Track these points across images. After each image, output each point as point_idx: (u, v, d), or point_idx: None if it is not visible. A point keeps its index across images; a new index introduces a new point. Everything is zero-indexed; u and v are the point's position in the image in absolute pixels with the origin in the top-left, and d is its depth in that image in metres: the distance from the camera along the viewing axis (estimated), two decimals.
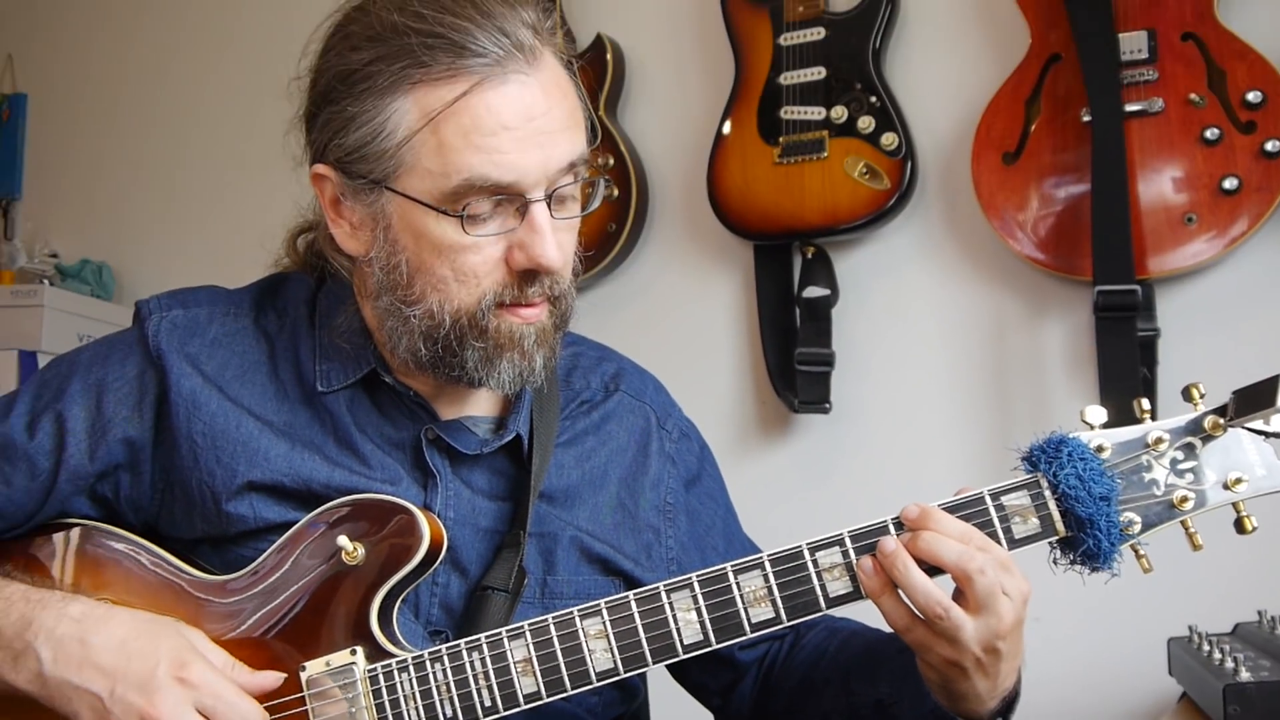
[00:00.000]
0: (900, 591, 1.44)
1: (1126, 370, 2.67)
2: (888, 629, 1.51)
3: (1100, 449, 1.44)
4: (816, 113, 3.01)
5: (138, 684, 1.44)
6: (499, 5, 1.51)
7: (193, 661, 1.46)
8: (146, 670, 1.44)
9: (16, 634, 1.47)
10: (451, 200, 1.49)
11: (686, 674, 1.85)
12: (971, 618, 1.41)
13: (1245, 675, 1.82)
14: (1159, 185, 2.70)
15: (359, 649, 1.52)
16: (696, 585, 1.48)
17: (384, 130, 1.50)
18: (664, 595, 1.49)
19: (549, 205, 1.52)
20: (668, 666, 1.77)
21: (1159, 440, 1.44)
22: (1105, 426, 1.46)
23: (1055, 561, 1.47)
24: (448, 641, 1.53)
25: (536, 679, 1.49)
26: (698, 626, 1.48)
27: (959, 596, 1.43)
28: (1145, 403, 1.48)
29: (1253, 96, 2.64)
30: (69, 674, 1.44)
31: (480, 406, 1.71)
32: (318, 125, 1.57)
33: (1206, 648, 2.03)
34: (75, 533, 1.64)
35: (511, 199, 1.50)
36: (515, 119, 1.48)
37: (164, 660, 1.45)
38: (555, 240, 1.51)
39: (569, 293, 1.60)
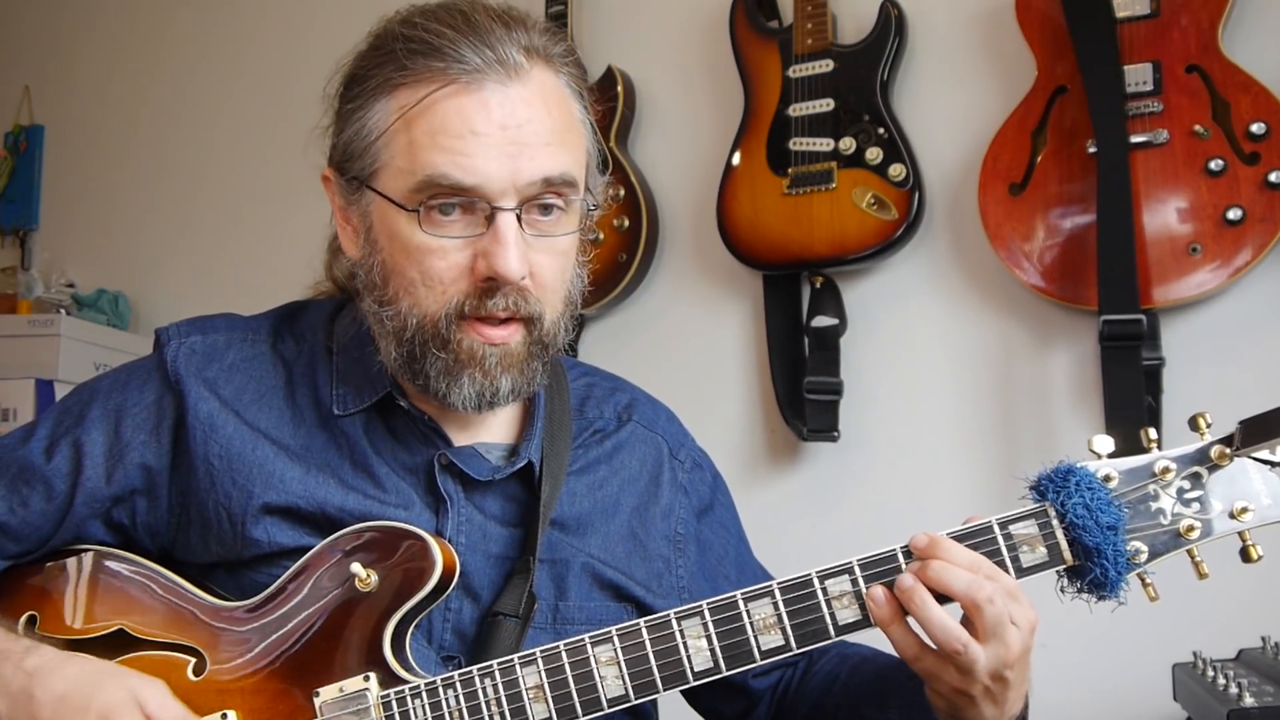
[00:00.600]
0: (912, 622, 1.45)
1: (1132, 399, 2.68)
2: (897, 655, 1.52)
3: (1108, 478, 1.45)
4: (825, 144, 3.03)
5: None
6: (495, 25, 1.54)
7: (121, 715, 1.47)
8: None
9: None
10: (413, 197, 1.52)
11: (701, 701, 1.86)
12: (980, 647, 1.42)
13: (1249, 700, 1.82)
14: (1164, 216, 2.72)
15: (372, 675, 1.52)
16: (707, 613, 1.49)
17: (365, 128, 1.56)
18: (675, 622, 1.49)
19: (519, 218, 1.52)
20: (683, 693, 1.78)
21: (1166, 470, 1.45)
22: (1112, 456, 1.47)
23: (1062, 590, 1.47)
24: (460, 667, 1.54)
25: (548, 705, 1.50)
26: (708, 654, 1.49)
27: (967, 625, 1.43)
28: (1152, 432, 1.49)
29: (1256, 128, 2.66)
30: None
31: (494, 433, 1.71)
32: (331, 131, 1.63)
33: (1211, 673, 2.04)
34: (88, 559, 1.65)
35: (478, 205, 1.51)
36: (484, 125, 1.50)
37: (93, 714, 1.46)
38: (519, 253, 1.51)
39: (551, 318, 1.59)
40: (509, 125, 1.51)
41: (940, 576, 1.42)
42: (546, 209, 1.55)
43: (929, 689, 1.50)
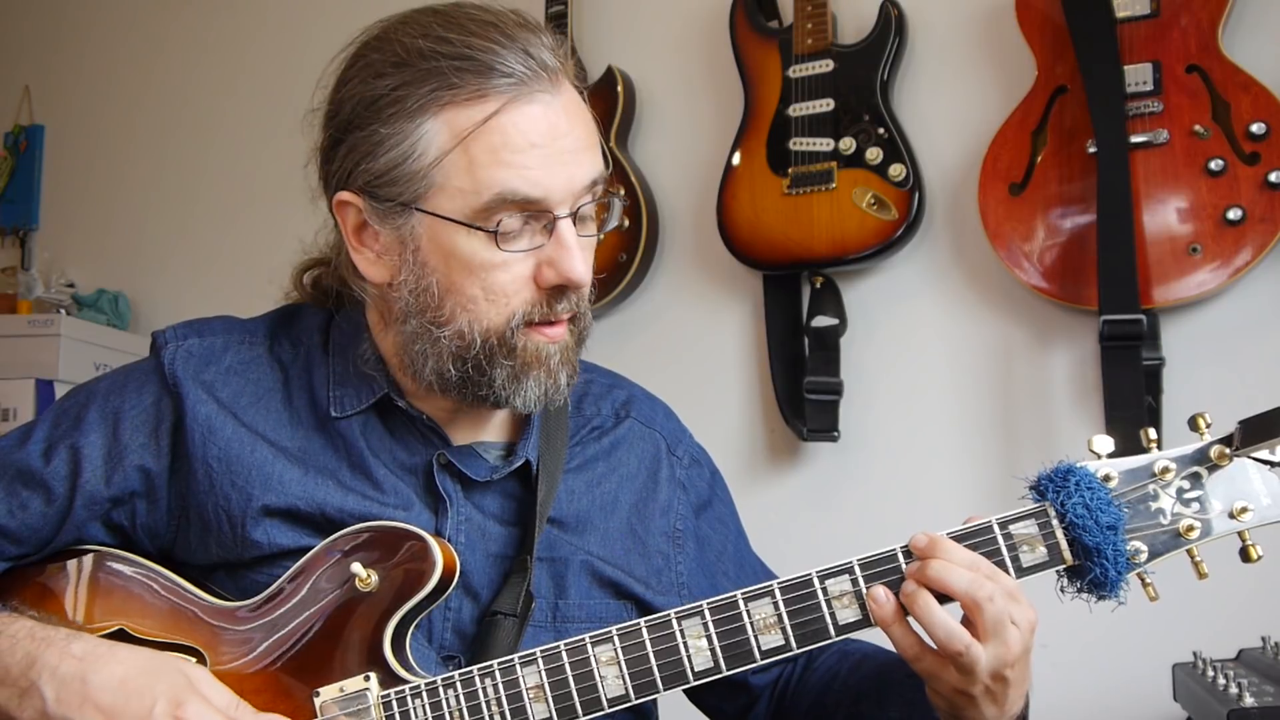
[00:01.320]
0: (913, 623, 1.45)
1: (1131, 399, 2.68)
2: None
3: (1107, 478, 1.45)
4: (825, 144, 3.03)
5: None
6: (520, 30, 1.54)
7: (190, 700, 1.45)
8: (144, 709, 1.43)
9: (22, 672, 1.47)
10: (483, 216, 1.51)
11: (702, 698, 1.86)
12: (981, 647, 1.42)
13: (1249, 700, 1.83)
14: (1164, 216, 2.72)
15: (372, 675, 1.52)
16: (707, 612, 1.49)
17: (415, 152, 1.52)
18: (675, 622, 1.50)
19: (574, 221, 1.55)
20: (684, 689, 1.79)
21: (1165, 470, 1.45)
22: (1112, 456, 1.47)
23: (1062, 590, 1.48)
24: (461, 667, 1.54)
25: (549, 705, 1.50)
26: (708, 653, 1.49)
27: (967, 625, 1.44)
28: (1152, 432, 1.49)
29: (1257, 128, 2.66)
30: (70, 712, 1.44)
31: (492, 432, 1.72)
32: (340, 153, 1.59)
33: (1211, 673, 2.04)
34: (89, 559, 1.65)
35: (538, 216, 1.53)
36: (542, 137, 1.51)
37: (161, 698, 1.44)
38: (584, 257, 1.56)
39: (588, 311, 1.64)
40: (560, 134, 1.52)
41: (940, 576, 1.43)
42: (588, 210, 1.58)
43: (929, 689, 1.51)
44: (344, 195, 1.59)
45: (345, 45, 1.63)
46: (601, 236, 1.65)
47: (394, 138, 1.53)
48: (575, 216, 1.55)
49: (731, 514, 1.92)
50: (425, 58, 1.52)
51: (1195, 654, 2.22)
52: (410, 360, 1.61)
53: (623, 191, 3.25)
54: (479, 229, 1.51)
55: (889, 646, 1.54)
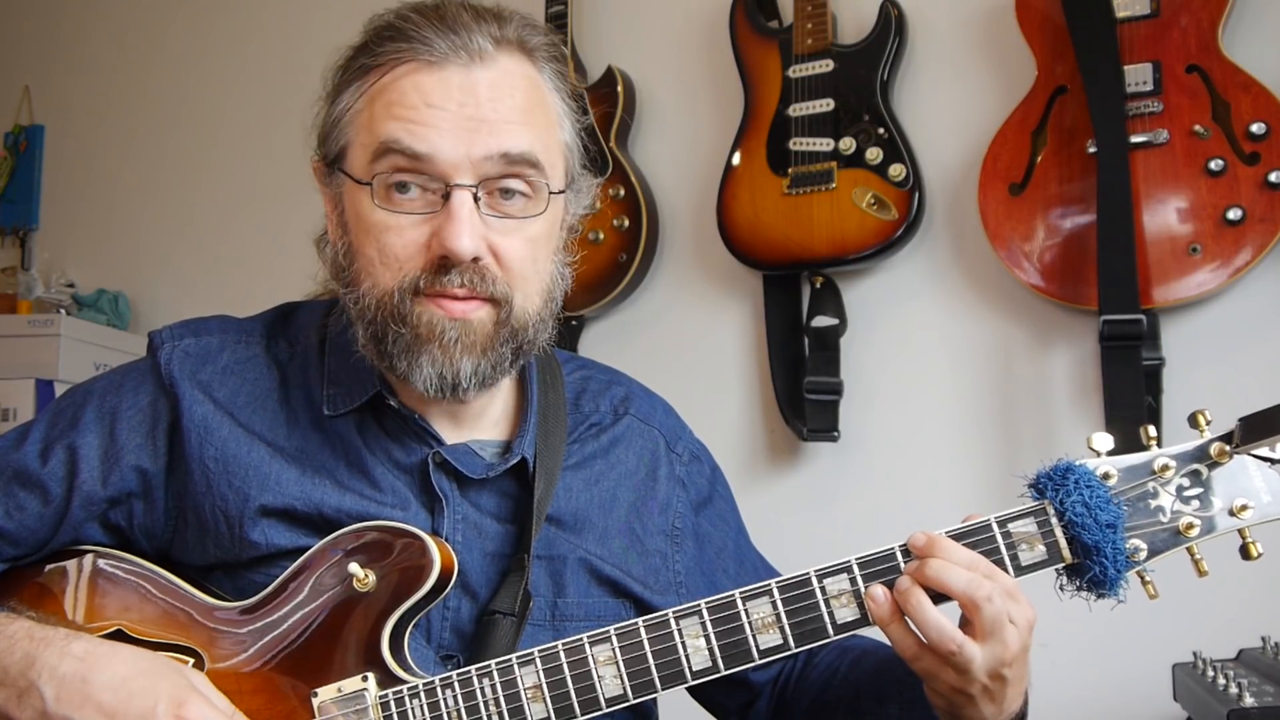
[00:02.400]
0: (910, 623, 1.45)
1: (1131, 399, 2.68)
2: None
3: (1107, 476, 1.45)
4: (825, 144, 3.03)
5: None
6: (464, 15, 1.57)
7: (191, 699, 1.45)
8: (146, 708, 1.43)
9: (20, 672, 1.47)
10: (371, 170, 1.53)
11: (704, 694, 1.86)
12: (979, 646, 1.42)
13: (1249, 700, 1.83)
14: (1164, 216, 2.72)
15: (370, 675, 1.52)
16: (705, 612, 1.49)
17: (334, 112, 1.60)
18: (673, 622, 1.50)
19: (477, 198, 1.53)
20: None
21: (1165, 467, 1.45)
22: (1112, 453, 1.47)
23: (1061, 588, 1.47)
24: (459, 666, 1.54)
25: (546, 705, 1.50)
26: (706, 653, 1.49)
27: (965, 624, 1.44)
28: (1151, 429, 1.49)
29: (1256, 128, 2.66)
30: (70, 712, 1.44)
31: (487, 430, 1.72)
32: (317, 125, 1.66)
33: (1211, 673, 2.04)
34: (87, 559, 1.64)
35: (435, 182, 1.52)
36: (442, 100, 1.52)
37: (163, 699, 1.44)
38: (471, 230, 1.51)
39: (521, 305, 1.58)
40: (467, 103, 1.52)
41: (938, 575, 1.42)
42: (508, 192, 1.56)
43: (927, 687, 1.51)
44: (313, 159, 1.66)
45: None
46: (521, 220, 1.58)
47: (333, 104, 1.60)
48: (482, 191, 1.53)
49: (732, 510, 1.92)
50: (366, 33, 1.60)
51: (1195, 654, 2.22)
52: (352, 333, 1.62)
53: (622, 191, 3.25)
54: (367, 184, 1.54)
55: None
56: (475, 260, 1.53)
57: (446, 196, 1.52)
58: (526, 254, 1.58)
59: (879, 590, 1.45)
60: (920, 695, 1.55)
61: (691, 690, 1.83)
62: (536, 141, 1.56)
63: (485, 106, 1.53)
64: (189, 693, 1.46)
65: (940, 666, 1.45)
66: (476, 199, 1.52)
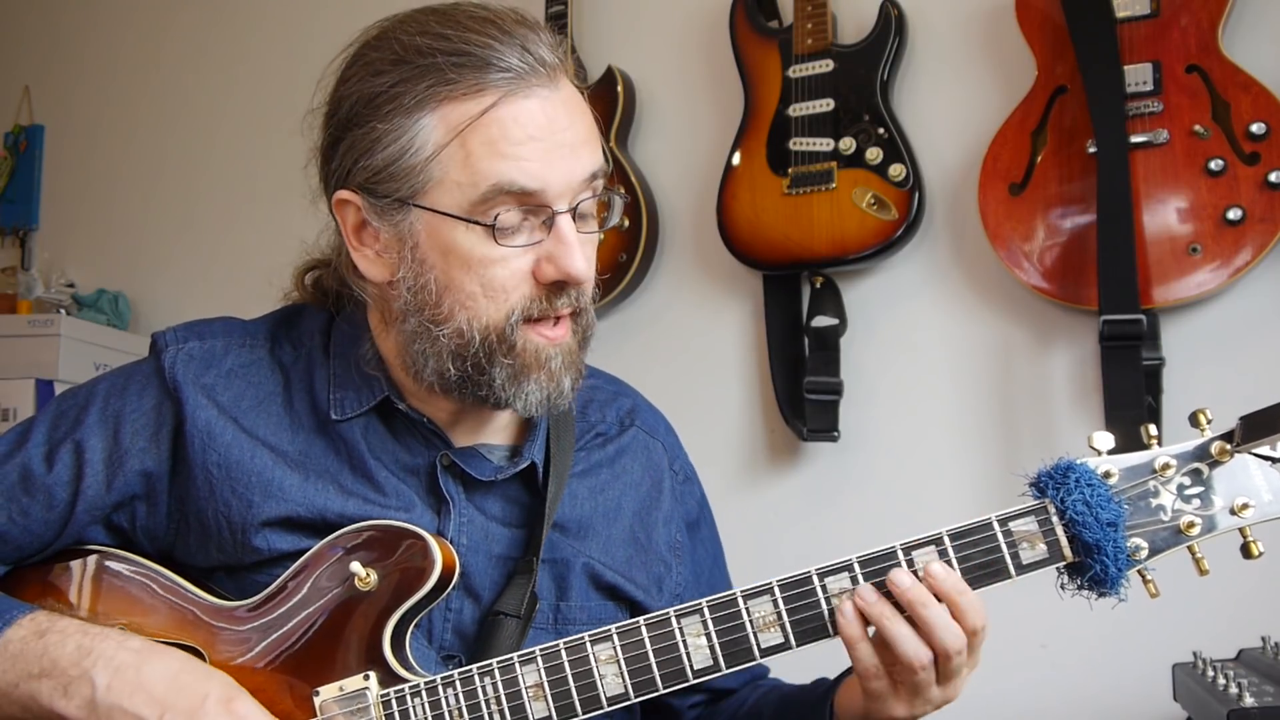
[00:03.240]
0: (880, 630, 1.46)
1: (1132, 399, 2.68)
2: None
3: (1108, 475, 1.45)
4: (825, 144, 3.03)
5: (187, 712, 1.45)
6: (518, 26, 1.54)
7: (239, 698, 1.48)
8: (196, 700, 1.46)
9: (73, 662, 1.48)
10: (480, 209, 1.50)
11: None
12: (939, 687, 1.47)
13: (1249, 701, 1.82)
14: (1164, 216, 2.72)
15: (372, 674, 1.53)
16: (706, 610, 1.49)
17: (412, 147, 1.51)
18: (674, 620, 1.50)
19: (573, 218, 1.54)
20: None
21: (1166, 466, 1.45)
22: (1112, 452, 1.47)
23: (1063, 587, 1.47)
24: (461, 666, 1.54)
25: (548, 704, 1.50)
26: (707, 651, 1.49)
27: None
28: (1152, 428, 1.48)
29: (1256, 128, 2.66)
30: (121, 699, 1.45)
31: (495, 434, 1.72)
32: (340, 152, 1.58)
33: (1211, 673, 2.04)
34: (90, 559, 1.65)
35: (537, 211, 1.52)
36: (540, 130, 1.50)
37: (213, 694, 1.47)
38: (584, 252, 1.54)
39: (590, 309, 1.62)
40: (558, 129, 1.52)
41: (938, 624, 1.45)
42: (588, 206, 1.58)
43: (863, 709, 1.53)
44: (343, 194, 1.58)
45: (345, 46, 1.63)
46: (602, 234, 1.64)
47: (392, 134, 1.52)
48: (575, 212, 1.54)
49: (714, 537, 1.94)
50: (423, 54, 1.52)
51: (1195, 654, 2.22)
52: (411, 360, 1.60)
53: (623, 190, 3.25)
54: (476, 223, 1.51)
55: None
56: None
57: (548, 223, 1.52)
58: (594, 261, 1.61)
59: (849, 607, 1.46)
60: (815, 710, 1.61)
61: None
62: (600, 155, 1.58)
63: (569, 130, 1.53)
64: (236, 691, 1.49)
65: (892, 692, 1.47)
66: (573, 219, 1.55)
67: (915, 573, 1.45)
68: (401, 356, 1.63)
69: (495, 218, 1.50)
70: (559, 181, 1.51)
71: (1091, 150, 2.76)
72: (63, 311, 3.82)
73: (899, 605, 1.44)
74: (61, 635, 1.51)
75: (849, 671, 1.57)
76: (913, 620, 1.44)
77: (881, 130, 3.01)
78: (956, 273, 3.06)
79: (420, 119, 1.51)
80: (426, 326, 1.56)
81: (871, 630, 1.46)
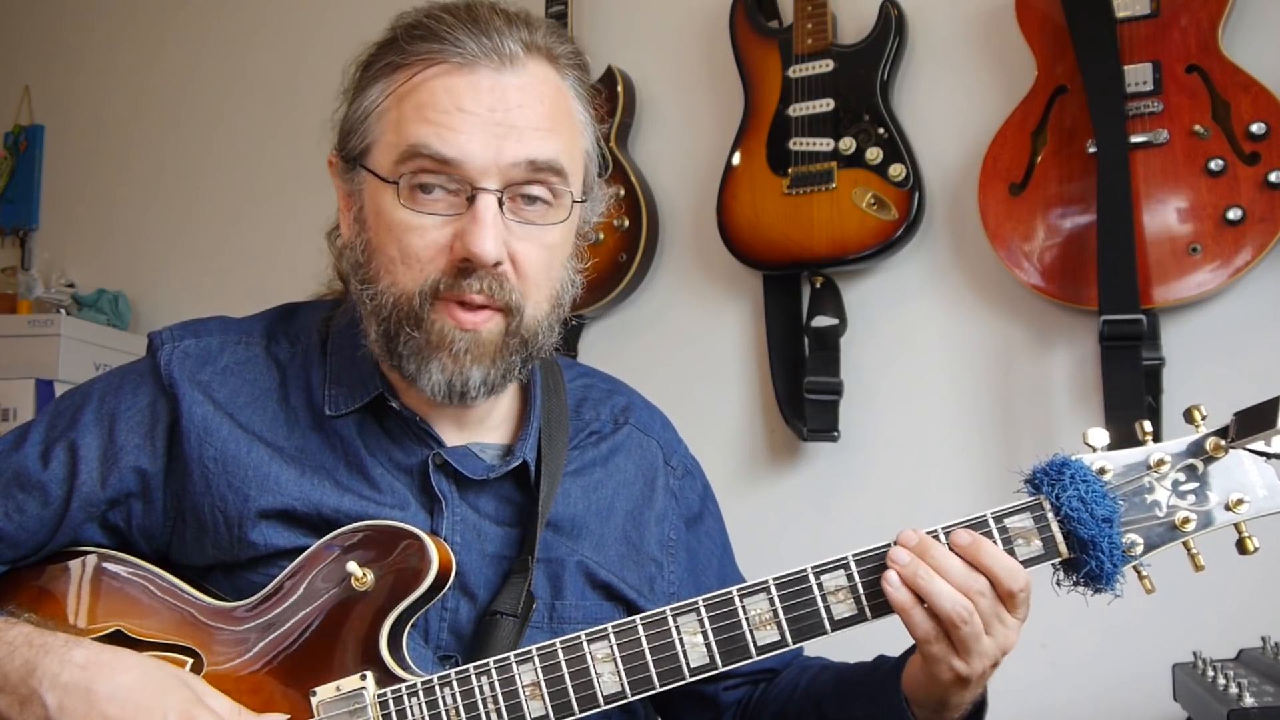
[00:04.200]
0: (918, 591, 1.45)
1: (1132, 399, 2.67)
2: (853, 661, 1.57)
3: (1103, 471, 1.45)
4: (825, 144, 3.03)
5: None
6: (496, 19, 1.56)
7: (198, 714, 1.45)
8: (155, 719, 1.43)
9: (21, 679, 1.46)
10: (396, 169, 1.53)
11: (671, 710, 1.87)
12: (989, 637, 1.45)
13: (1249, 700, 1.82)
14: (1164, 216, 2.72)
15: (369, 674, 1.52)
16: (703, 609, 1.49)
17: (361, 107, 1.59)
18: (670, 619, 1.50)
19: (502, 203, 1.53)
20: (655, 702, 1.78)
21: (1161, 462, 1.45)
22: (1108, 449, 1.47)
23: (1058, 583, 1.48)
24: (457, 666, 1.54)
25: (545, 703, 1.50)
26: (704, 649, 1.49)
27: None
28: (1147, 425, 1.49)
29: (1256, 128, 2.66)
30: None
31: (489, 434, 1.72)
32: (337, 120, 1.65)
33: (1211, 673, 2.04)
34: (86, 560, 1.65)
35: (459, 184, 1.52)
36: (472, 104, 1.52)
37: (172, 712, 1.43)
38: (495, 234, 1.51)
39: (532, 313, 1.58)
40: (497, 108, 1.52)
41: (927, 585, 1.44)
42: (531, 199, 1.56)
43: (926, 675, 1.51)
44: (331, 155, 1.66)
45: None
46: (542, 227, 1.58)
47: (358, 99, 1.60)
48: (503, 196, 1.53)
49: (720, 529, 1.93)
50: (400, 31, 1.58)
51: (1195, 654, 2.22)
52: (363, 329, 1.62)
53: (622, 191, 3.25)
54: (392, 183, 1.53)
55: (871, 651, 1.55)
56: (495, 265, 1.52)
57: (471, 199, 1.52)
58: (542, 261, 1.58)
59: (893, 575, 1.45)
60: (884, 693, 1.57)
61: (659, 708, 1.85)
62: (562, 149, 1.57)
63: (514, 112, 1.53)
64: (196, 706, 1.46)
65: (950, 652, 1.45)
66: (500, 204, 1.53)
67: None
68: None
69: (400, 179, 1.52)
70: (480, 155, 1.51)
71: (1091, 150, 2.76)
72: (63, 311, 3.82)
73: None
74: (10, 648, 1.48)
75: (912, 650, 1.55)
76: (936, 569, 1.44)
77: (881, 130, 3.01)
78: (956, 273, 3.06)
79: (376, 84, 1.58)
80: (360, 288, 1.60)
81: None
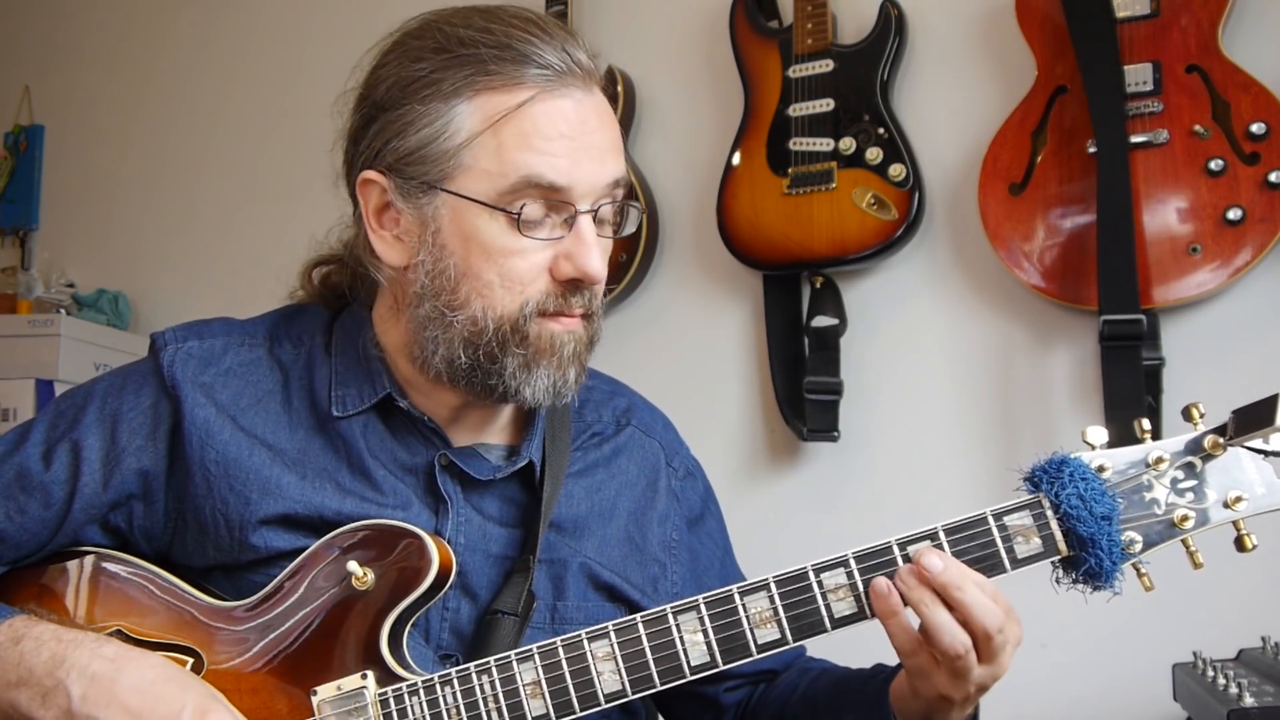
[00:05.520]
0: (918, 616, 1.45)
1: (1132, 399, 2.67)
2: (856, 666, 1.57)
3: (1101, 469, 1.45)
4: (825, 144, 3.04)
5: None
6: (559, 30, 1.58)
7: (215, 709, 1.46)
8: (171, 712, 1.44)
9: (48, 671, 1.47)
10: (507, 199, 1.52)
11: (672, 712, 1.88)
12: (982, 666, 1.45)
13: (1249, 701, 1.82)
14: (1164, 216, 2.72)
15: (370, 673, 1.52)
16: (703, 607, 1.49)
17: (445, 132, 1.54)
18: (671, 617, 1.50)
19: (593, 220, 1.56)
20: (655, 700, 1.78)
21: (1159, 460, 1.45)
22: (1107, 447, 1.47)
23: (1058, 581, 1.48)
24: (458, 665, 1.54)
25: (545, 701, 1.50)
26: (704, 648, 1.49)
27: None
28: (1146, 423, 1.49)
29: (1256, 128, 2.66)
30: (96, 711, 1.44)
31: (494, 434, 1.72)
32: (371, 133, 1.60)
33: (1211, 673, 2.03)
34: (88, 561, 1.65)
35: (560, 208, 1.54)
36: (572, 129, 1.53)
37: (189, 705, 1.44)
38: (601, 254, 1.57)
39: (600, 314, 1.64)
40: (589, 131, 1.55)
41: (971, 602, 1.43)
42: (612, 213, 1.60)
43: (909, 687, 1.52)
44: (370, 174, 1.60)
45: (384, 36, 1.66)
46: (612, 240, 1.65)
47: (426, 117, 1.55)
48: (595, 215, 1.57)
49: (721, 531, 1.93)
50: (465, 45, 1.55)
51: (1195, 654, 2.21)
52: (420, 347, 1.61)
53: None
54: (501, 211, 1.52)
55: (872, 650, 1.55)
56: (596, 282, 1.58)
57: (569, 221, 1.54)
58: (606, 269, 1.62)
59: (883, 583, 1.45)
60: (876, 703, 1.58)
61: (660, 705, 1.86)
62: (624, 164, 1.61)
63: (599, 134, 1.56)
64: (213, 702, 1.47)
65: (934, 668, 1.45)
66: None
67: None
68: (409, 345, 1.64)
69: (521, 208, 1.52)
70: (584, 181, 1.54)
71: (1091, 150, 2.76)
72: (63, 311, 3.82)
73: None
74: (36, 642, 1.49)
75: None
76: (949, 604, 1.43)
77: (881, 130, 3.01)
78: (956, 273, 3.06)
79: (457, 105, 1.54)
80: (441, 312, 1.58)
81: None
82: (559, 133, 1.52)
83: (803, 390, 3.05)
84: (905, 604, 1.44)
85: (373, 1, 1.72)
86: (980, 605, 1.42)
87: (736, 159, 3.15)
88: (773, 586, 1.48)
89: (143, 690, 1.45)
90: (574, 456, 1.76)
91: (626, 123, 3.36)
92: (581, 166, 1.53)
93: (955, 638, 1.42)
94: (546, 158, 1.52)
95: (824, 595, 1.47)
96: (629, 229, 1.67)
